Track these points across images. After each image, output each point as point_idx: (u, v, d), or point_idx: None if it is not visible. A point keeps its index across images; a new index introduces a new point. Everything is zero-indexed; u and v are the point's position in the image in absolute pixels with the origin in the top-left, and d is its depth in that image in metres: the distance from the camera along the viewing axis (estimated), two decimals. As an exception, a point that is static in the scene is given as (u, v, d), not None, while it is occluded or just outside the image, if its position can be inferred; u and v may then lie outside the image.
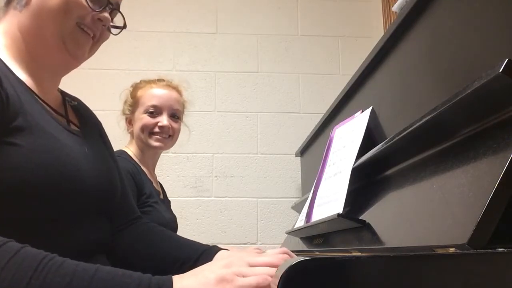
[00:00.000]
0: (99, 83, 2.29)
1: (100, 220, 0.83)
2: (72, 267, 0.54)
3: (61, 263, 0.53)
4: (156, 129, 1.45)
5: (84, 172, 0.75)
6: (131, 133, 1.52)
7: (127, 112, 1.52)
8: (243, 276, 0.58)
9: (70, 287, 0.51)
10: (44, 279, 0.51)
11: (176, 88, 1.54)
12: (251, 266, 0.61)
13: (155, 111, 1.46)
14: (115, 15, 0.87)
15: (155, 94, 1.48)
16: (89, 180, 0.76)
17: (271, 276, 0.58)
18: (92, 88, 2.25)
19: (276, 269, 0.55)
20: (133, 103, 1.50)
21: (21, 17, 0.77)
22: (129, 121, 1.53)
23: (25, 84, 0.74)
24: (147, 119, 1.45)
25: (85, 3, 0.78)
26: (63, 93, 0.90)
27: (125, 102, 1.54)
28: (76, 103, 0.92)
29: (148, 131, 1.45)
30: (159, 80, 1.53)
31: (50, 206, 0.68)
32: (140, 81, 1.55)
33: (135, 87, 1.53)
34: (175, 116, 1.50)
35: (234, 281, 0.56)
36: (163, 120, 1.46)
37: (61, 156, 0.70)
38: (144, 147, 1.48)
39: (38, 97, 0.76)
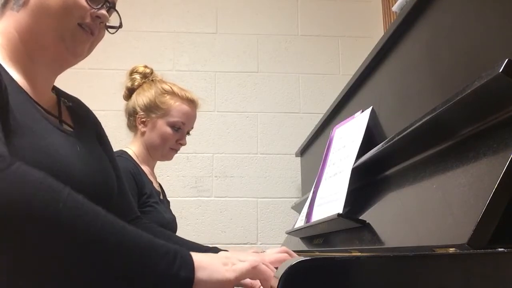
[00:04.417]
0: (99, 83, 2.29)
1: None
2: (120, 221, 0.60)
3: (112, 216, 0.59)
4: (174, 145, 1.49)
5: (75, 171, 0.74)
6: (142, 133, 1.47)
7: (144, 112, 1.45)
8: None
9: (129, 233, 0.58)
10: (112, 223, 0.57)
11: (198, 107, 1.55)
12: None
13: (180, 128, 1.47)
14: (111, 14, 0.87)
15: (186, 113, 1.48)
16: (81, 178, 0.75)
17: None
18: (92, 88, 2.25)
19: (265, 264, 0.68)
20: (159, 108, 1.44)
21: (19, 17, 0.77)
22: (144, 122, 1.47)
23: (17, 84, 0.74)
24: (170, 133, 1.45)
25: (84, 2, 0.78)
26: (59, 93, 0.90)
27: (146, 102, 1.45)
28: (70, 103, 0.91)
29: (169, 146, 1.47)
30: (191, 101, 1.50)
31: None
32: (170, 87, 1.48)
33: (165, 92, 1.46)
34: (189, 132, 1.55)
35: (234, 265, 0.66)
36: (184, 139, 1.50)
37: (50, 154, 0.70)
38: (152, 151, 1.48)
39: (31, 97, 0.76)
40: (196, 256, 0.64)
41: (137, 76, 1.52)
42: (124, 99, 1.55)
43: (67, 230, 0.53)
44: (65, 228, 0.53)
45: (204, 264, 0.63)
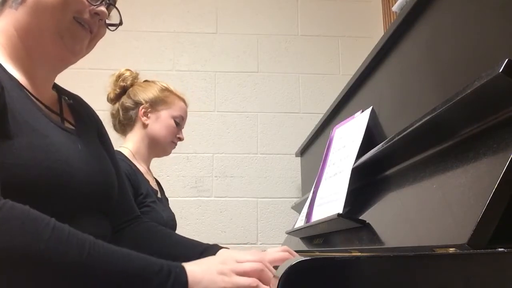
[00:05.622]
0: (99, 83, 2.27)
1: (99, 219, 0.83)
2: (111, 246, 0.62)
3: (102, 242, 0.61)
4: (175, 139, 1.55)
5: (76, 169, 0.74)
6: (144, 126, 1.49)
7: (149, 103, 1.50)
8: (237, 274, 0.67)
9: (118, 258, 0.61)
10: (99, 252, 0.59)
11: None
12: (239, 262, 0.70)
13: (179, 123, 1.54)
14: (111, 11, 0.87)
15: (184, 109, 1.57)
16: (82, 177, 0.75)
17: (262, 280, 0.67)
18: (92, 88, 2.24)
19: (262, 267, 0.67)
20: (164, 102, 1.51)
21: (17, 15, 0.77)
22: (146, 114, 1.50)
23: (18, 81, 0.74)
24: (174, 127, 1.52)
25: None
26: (59, 91, 0.90)
27: (151, 97, 1.50)
28: (71, 101, 0.91)
29: (171, 139, 1.53)
30: (184, 100, 1.59)
31: (44, 202, 0.68)
32: (168, 85, 1.57)
33: (165, 89, 1.54)
34: None
35: (231, 276, 0.65)
36: (182, 134, 1.58)
37: (51, 153, 0.70)
38: (153, 144, 1.50)
39: (31, 94, 0.76)
40: (190, 269, 0.65)
41: (129, 77, 1.56)
42: (112, 100, 1.57)
43: (51, 269, 0.55)
44: (48, 267, 0.55)
45: (199, 277, 0.64)
